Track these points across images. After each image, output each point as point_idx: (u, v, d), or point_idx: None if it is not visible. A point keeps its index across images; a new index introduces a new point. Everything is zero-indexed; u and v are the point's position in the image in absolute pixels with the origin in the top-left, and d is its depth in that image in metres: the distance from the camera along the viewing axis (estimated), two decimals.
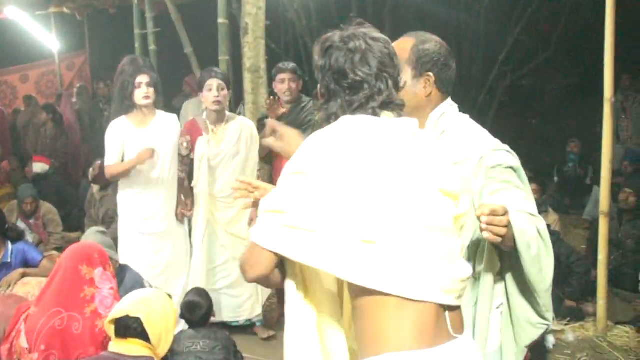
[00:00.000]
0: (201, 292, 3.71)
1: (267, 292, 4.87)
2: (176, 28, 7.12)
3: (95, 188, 6.83)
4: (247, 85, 6.03)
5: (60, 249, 5.83)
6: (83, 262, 3.09)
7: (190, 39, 7.12)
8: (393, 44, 1.91)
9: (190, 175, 4.60)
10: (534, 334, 2.19)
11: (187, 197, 4.62)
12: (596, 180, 6.36)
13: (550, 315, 2.18)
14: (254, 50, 5.97)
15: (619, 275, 5.41)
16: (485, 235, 1.80)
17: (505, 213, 1.83)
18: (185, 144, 4.57)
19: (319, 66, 1.86)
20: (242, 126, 4.64)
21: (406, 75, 2.17)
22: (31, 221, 6.53)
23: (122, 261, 4.24)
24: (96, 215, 6.78)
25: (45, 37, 12.45)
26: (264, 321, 4.83)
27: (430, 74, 2.21)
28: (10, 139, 11.06)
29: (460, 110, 2.32)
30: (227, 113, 4.67)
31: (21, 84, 13.31)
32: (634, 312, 4.94)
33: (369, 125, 1.76)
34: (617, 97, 9.06)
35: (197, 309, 3.55)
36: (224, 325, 4.60)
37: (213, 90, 4.45)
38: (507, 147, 2.21)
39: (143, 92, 4.41)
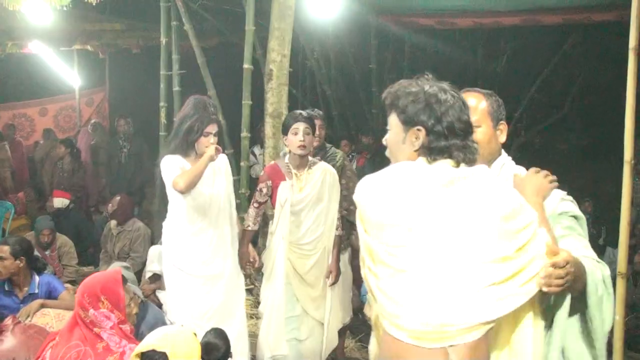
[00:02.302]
0: (220, 334, 3.68)
1: (330, 349, 4.64)
2: (200, 71, 7.27)
3: (112, 223, 6.90)
4: (269, 130, 6.15)
5: (73, 282, 5.87)
6: (79, 307, 3.15)
7: (214, 82, 7.26)
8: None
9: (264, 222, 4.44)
10: None
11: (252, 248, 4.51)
12: (609, 241, 6.40)
13: None
14: (276, 96, 6.11)
15: (634, 338, 5.40)
16: (544, 289, 1.87)
17: (566, 264, 1.88)
18: (264, 190, 4.43)
19: (415, 108, 2.00)
20: (325, 172, 4.45)
21: (486, 124, 2.34)
22: (47, 253, 6.57)
23: (170, 305, 4.27)
24: (112, 251, 6.84)
25: (67, 72, 12.69)
26: None
27: (504, 122, 2.40)
28: (28, 171, 11.22)
29: None
30: (310, 158, 4.47)
31: (40, 117, 13.52)
32: None
33: (418, 175, 1.91)
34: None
35: (215, 351, 3.53)
36: None
37: (299, 135, 4.25)
38: (571, 197, 2.31)
39: (209, 141, 4.19)
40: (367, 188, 1.98)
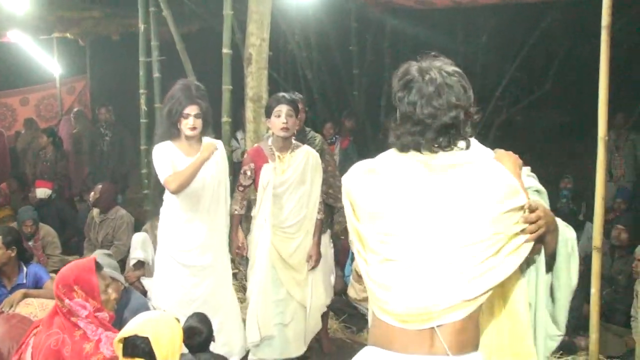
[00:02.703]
0: (202, 318, 3.72)
1: (313, 332, 4.70)
2: (180, 57, 7.25)
3: (95, 212, 6.91)
4: (249, 114, 6.16)
5: (58, 272, 5.86)
6: (56, 297, 3.18)
7: (194, 67, 7.23)
8: None
9: (248, 207, 4.46)
10: (551, 347, 2.36)
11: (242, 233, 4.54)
12: (589, 217, 6.46)
13: (563, 325, 2.33)
14: (256, 80, 6.11)
15: (611, 311, 5.50)
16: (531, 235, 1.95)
17: (537, 208, 1.96)
18: (248, 173, 4.45)
19: (396, 96, 1.99)
20: (308, 155, 4.48)
21: None
22: (30, 243, 6.56)
23: (156, 292, 4.31)
24: (95, 239, 6.85)
25: (47, 61, 12.60)
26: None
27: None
28: (10, 162, 11.15)
29: None
30: (293, 141, 4.51)
31: (21, 106, 13.42)
32: (625, 346, 5.02)
33: (406, 163, 1.94)
34: (610, 136, 9.21)
35: (197, 335, 3.57)
36: None
37: (282, 117, 4.29)
38: (534, 174, 2.41)
39: (190, 123, 4.20)
40: (358, 176, 2.01)
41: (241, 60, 6.35)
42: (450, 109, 1.92)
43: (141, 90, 7.62)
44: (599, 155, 4.51)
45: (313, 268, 4.50)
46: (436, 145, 1.94)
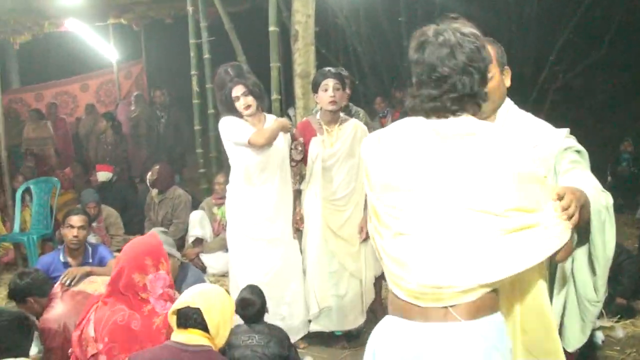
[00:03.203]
0: (255, 290, 3.80)
1: (369, 302, 4.68)
2: (229, 37, 7.34)
3: (154, 192, 7.11)
4: (298, 91, 6.20)
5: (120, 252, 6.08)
6: (135, 270, 3.30)
7: (243, 46, 7.32)
8: None
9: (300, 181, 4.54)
10: (593, 312, 2.34)
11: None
12: None
13: (602, 294, 2.31)
14: (304, 57, 6.13)
15: None
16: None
17: (564, 192, 1.87)
18: (299, 148, 4.49)
19: (412, 59, 1.96)
20: (356, 127, 4.50)
21: (495, 70, 2.37)
22: (94, 224, 6.81)
23: (232, 267, 4.49)
24: (155, 218, 7.07)
25: (104, 47, 12.91)
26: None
27: (507, 67, 2.47)
28: (73, 147, 11.55)
29: None
30: (341, 115, 4.56)
31: (81, 93, 13.83)
32: None
33: (418, 131, 1.91)
34: None
35: (250, 306, 3.66)
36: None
37: (329, 90, 4.33)
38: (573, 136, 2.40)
39: (242, 104, 4.36)
40: (371, 146, 1.99)
41: (289, 37, 6.39)
42: (465, 70, 1.88)
43: (192, 72, 7.75)
44: None
45: (365, 240, 4.51)
46: (450, 109, 1.90)
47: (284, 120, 4.46)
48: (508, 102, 2.48)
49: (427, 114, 1.92)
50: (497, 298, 1.93)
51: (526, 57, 10.38)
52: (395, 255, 1.90)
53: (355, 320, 4.59)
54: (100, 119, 10.46)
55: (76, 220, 4.66)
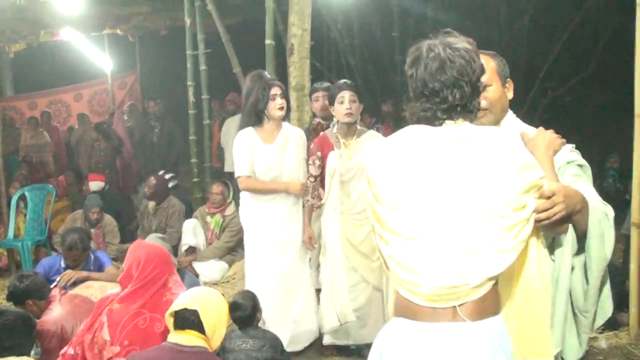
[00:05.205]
0: (246, 295, 3.86)
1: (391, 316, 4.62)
2: (225, 49, 7.45)
3: (150, 204, 7.21)
4: (293, 103, 6.28)
5: (114, 259, 6.15)
6: (167, 270, 3.41)
7: (239, 58, 7.42)
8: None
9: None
10: (586, 323, 2.40)
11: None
12: None
13: (592, 304, 2.36)
14: (299, 70, 6.24)
15: None
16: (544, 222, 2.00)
17: (553, 194, 1.99)
18: (317, 162, 4.48)
19: (408, 73, 2.06)
20: (374, 139, 4.43)
21: (497, 82, 2.43)
22: (93, 230, 6.88)
23: (247, 272, 4.57)
24: (149, 227, 7.14)
25: (99, 57, 13.00)
26: None
27: (509, 80, 2.53)
28: (66, 155, 11.61)
29: None
30: (358, 127, 4.53)
31: (75, 102, 13.91)
32: None
33: (422, 138, 1.97)
34: None
35: (239, 310, 3.72)
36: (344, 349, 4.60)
37: (345, 103, 4.32)
38: (577, 150, 2.48)
39: (278, 103, 4.43)
40: (375, 155, 2.04)
41: (284, 50, 6.50)
42: (455, 84, 1.96)
43: (189, 83, 7.86)
44: (636, 132, 4.57)
45: None
46: (446, 118, 1.99)
47: (297, 189, 4.47)
48: (511, 115, 2.55)
49: (428, 124, 2.01)
50: (499, 299, 2.03)
51: (516, 73, 10.52)
52: (405, 261, 1.95)
53: (375, 335, 4.50)
54: (92, 128, 10.49)
55: None
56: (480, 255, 1.89)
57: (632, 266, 4.56)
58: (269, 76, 4.53)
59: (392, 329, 2.06)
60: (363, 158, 4.34)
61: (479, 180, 1.89)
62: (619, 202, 8.35)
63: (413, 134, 2.00)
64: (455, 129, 1.98)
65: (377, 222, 2.03)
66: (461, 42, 2.02)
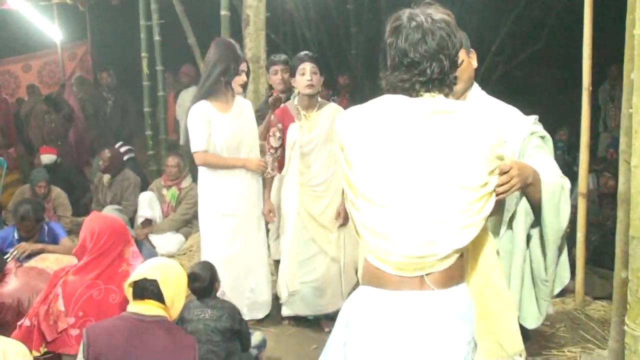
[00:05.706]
0: (205, 266, 3.85)
1: (350, 286, 4.60)
2: (180, 19, 7.37)
3: (105, 176, 7.15)
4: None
5: (69, 232, 6.10)
6: (123, 242, 3.41)
7: (193, 30, 7.35)
8: None
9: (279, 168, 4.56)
10: (545, 291, 2.56)
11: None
12: None
13: (551, 273, 2.51)
14: (254, 41, 6.24)
15: (600, 255, 5.71)
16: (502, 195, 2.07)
17: (510, 169, 2.06)
18: (278, 134, 4.49)
19: (386, 42, 2.05)
20: (334, 112, 4.44)
21: (462, 51, 2.40)
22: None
23: (203, 244, 4.57)
24: (103, 200, 7.09)
25: (48, 27, 12.66)
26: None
27: (472, 50, 2.67)
28: (15, 127, 11.32)
29: None
30: (319, 99, 4.54)
31: (23, 73, 13.51)
32: (610, 288, 5.22)
33: (398, 107, 1.98)
34: (605, 86, 9.35)
35: (197, 281, 3.71)
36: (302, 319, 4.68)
37: (306, 74, 4.33)
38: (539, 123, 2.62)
39: (243, 79, 4.46)
40: (349, 120, 2.02)
41: (240, 21, 6.47)
42: (434, 56, 1.96)
43: (142, 54, 7.77)
44: (584, 105, 4.72)
45: (342, 225, 4.50)
46: (423, 91, 1.99)
47: (258, 166, 4.47)
48: (476, 87, 2.65)
49: (405, 94, 2.01)
50: (463, 268, 2.09)
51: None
52: (375, 228, 1.96)
53: (334, 305, 4.54)
54: (42, 100, 10.25)
55: None
56: (448, 227, 1.92)
57: (579, 235, 4.74)
58: (239, 51, 4.48)
59: (360, 296, 2.07)
60: (323, 130, 4.40)
61: (452, 153, 1.91)
62: (568, 173, 8.56)
63: (389, 103, 1.99)
64: (431, 101, 1.99)
65: (348, 187, 2.02)
66: (442, 14, 2.02)
